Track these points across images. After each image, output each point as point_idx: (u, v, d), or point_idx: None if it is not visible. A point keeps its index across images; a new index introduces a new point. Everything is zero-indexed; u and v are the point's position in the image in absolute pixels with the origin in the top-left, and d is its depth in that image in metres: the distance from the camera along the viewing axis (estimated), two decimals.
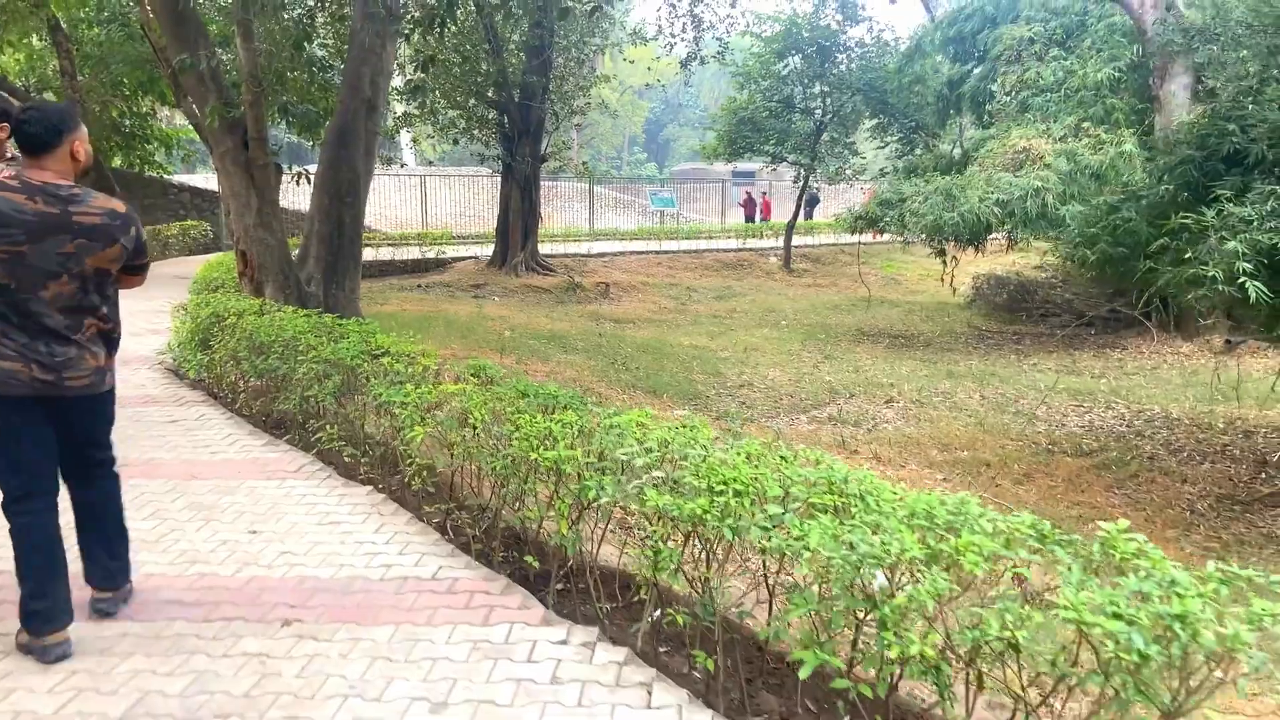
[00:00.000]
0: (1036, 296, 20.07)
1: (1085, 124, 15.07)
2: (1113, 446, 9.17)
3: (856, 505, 2.95)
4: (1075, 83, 15.73)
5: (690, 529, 3.11)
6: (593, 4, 14.81)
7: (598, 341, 14.39)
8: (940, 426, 10.16)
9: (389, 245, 24.09)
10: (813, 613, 2.69)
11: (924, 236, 14.20)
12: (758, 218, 34.37)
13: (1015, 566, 2.55)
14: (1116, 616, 2.19)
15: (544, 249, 23.54)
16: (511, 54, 20.56)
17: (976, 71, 18.88)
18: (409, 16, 9.26)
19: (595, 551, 3.75)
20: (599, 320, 17.30)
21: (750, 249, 26.36)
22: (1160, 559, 2.43)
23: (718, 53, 19.74)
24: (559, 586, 3.82)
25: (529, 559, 3.91)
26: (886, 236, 17.54)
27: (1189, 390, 12.16)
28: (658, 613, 3.44)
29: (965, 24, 19.77)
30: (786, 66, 24.38)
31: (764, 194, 36.54)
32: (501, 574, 3.92)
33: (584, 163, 24.24)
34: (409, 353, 5.60)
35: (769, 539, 2.77)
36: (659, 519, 3.15)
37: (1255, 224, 5.74)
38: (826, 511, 2.99)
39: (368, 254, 12.13)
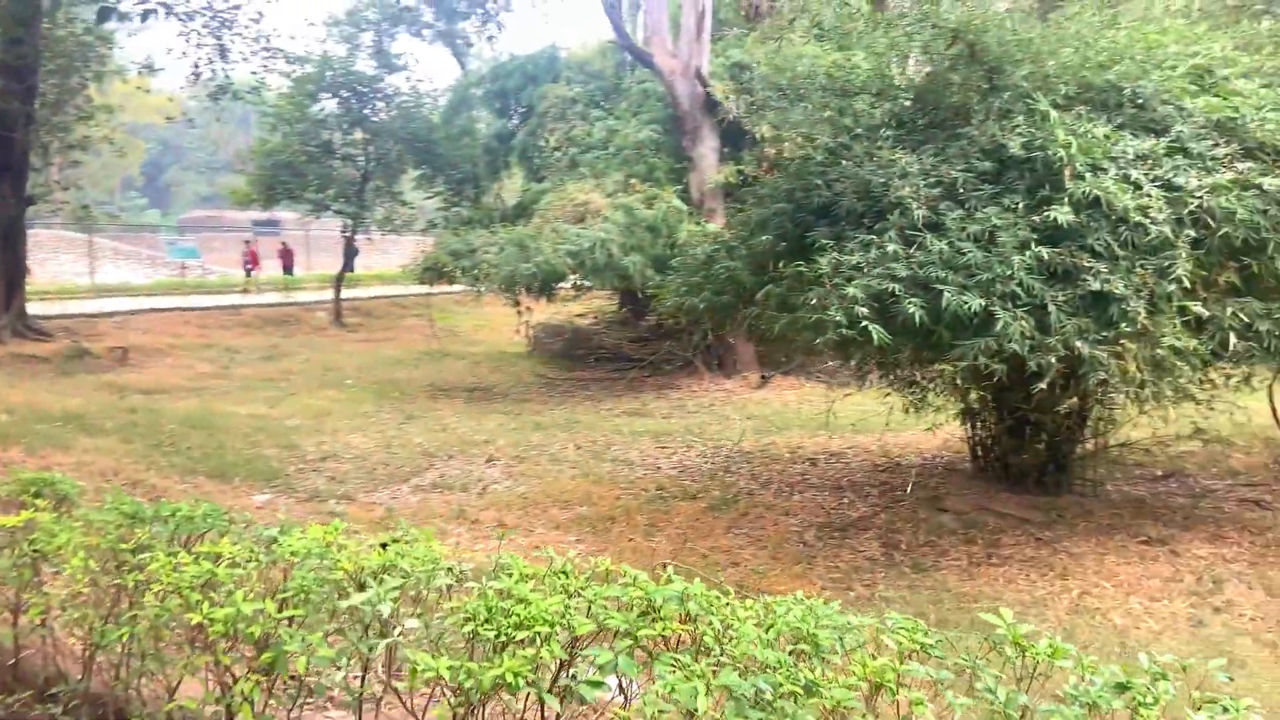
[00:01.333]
0: (590, 343, 21.06)
1: (632, 180, 16.06)
2: (712, 486, 9.55)
3: (706, 632, 2.31)
4: (620, 141, 16.73)
5: (480, 701, 2.23)
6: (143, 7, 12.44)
7: (130, 419, 11.92)
8: (550, 482, 9.84)
9: None
10: None
11: (499, 286, 13.98)
12: (271, 270, 31.21)
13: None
14: None
15: (34, 309, 19.42)
16: None
17: (524, 127, 19.35)
18: None
19: None
20: (123, 393, 14.49)
21: (295, 303, 24.30)
22: (1079, 654, 2.13)
23: (253, 88, 17.90)
24: None
25: None
26: (453, 288, 17.01)
27: (746, 424, 13.31)
28: None
29: (508, 80, 20.23)
30: (322, 109, 23.06)
31: (255, 242, 32.89)
32: None
33: (85, 206, 20.46)
34: None
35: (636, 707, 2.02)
36: (446, 694, 2.23)
37: (865, 271, 6.18)
38: (659, 645, 2.32)
39: None
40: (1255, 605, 6.34)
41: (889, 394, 8.81)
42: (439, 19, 26.47)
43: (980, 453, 8.96)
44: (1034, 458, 8.40)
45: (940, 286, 5.92)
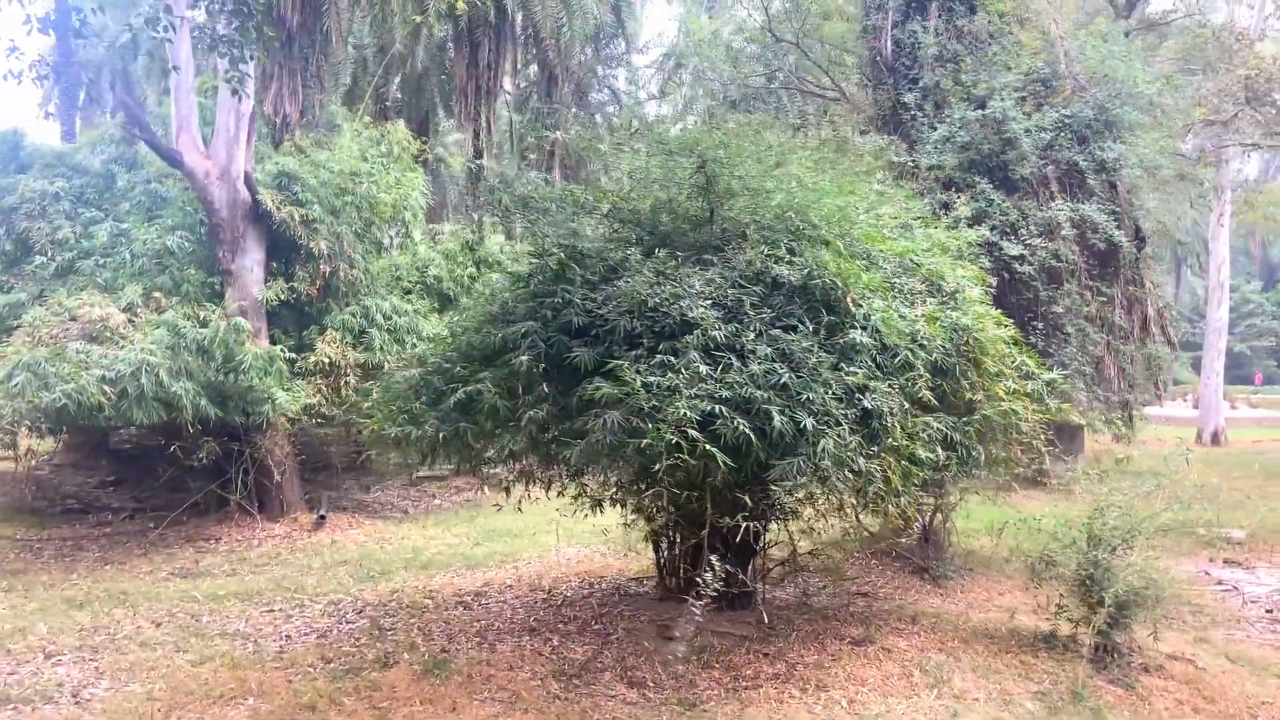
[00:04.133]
0: (59, 492, 16.85)
1: (156, 294, 13.51)
2: (392, 648, 8.09)
3: None
4: (138, 249, 14.03)
5: None
6: None
7: None
8: (168, 675, 7.46)
9: None
10: None
11: (6, 424, 10.50)
12: None
13: None
14: None
15: None
16: None
17: None
18: None
19: None
20: None
21: None
22: None
23: None
24: None
25: None
26: None
27: (341, 569, 11.68)
28: None
29: None
30: None
31: None
32: None
33: None
34: None
35: None
36: None
37: (681, 392, 5.90)
38: None
39: None
40: (980, 689, 7.21)
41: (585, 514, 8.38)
42: None
43: (668, 574, 8.98)
44: (722, 574, 8.63)
45: (767, 407, 5.91)
